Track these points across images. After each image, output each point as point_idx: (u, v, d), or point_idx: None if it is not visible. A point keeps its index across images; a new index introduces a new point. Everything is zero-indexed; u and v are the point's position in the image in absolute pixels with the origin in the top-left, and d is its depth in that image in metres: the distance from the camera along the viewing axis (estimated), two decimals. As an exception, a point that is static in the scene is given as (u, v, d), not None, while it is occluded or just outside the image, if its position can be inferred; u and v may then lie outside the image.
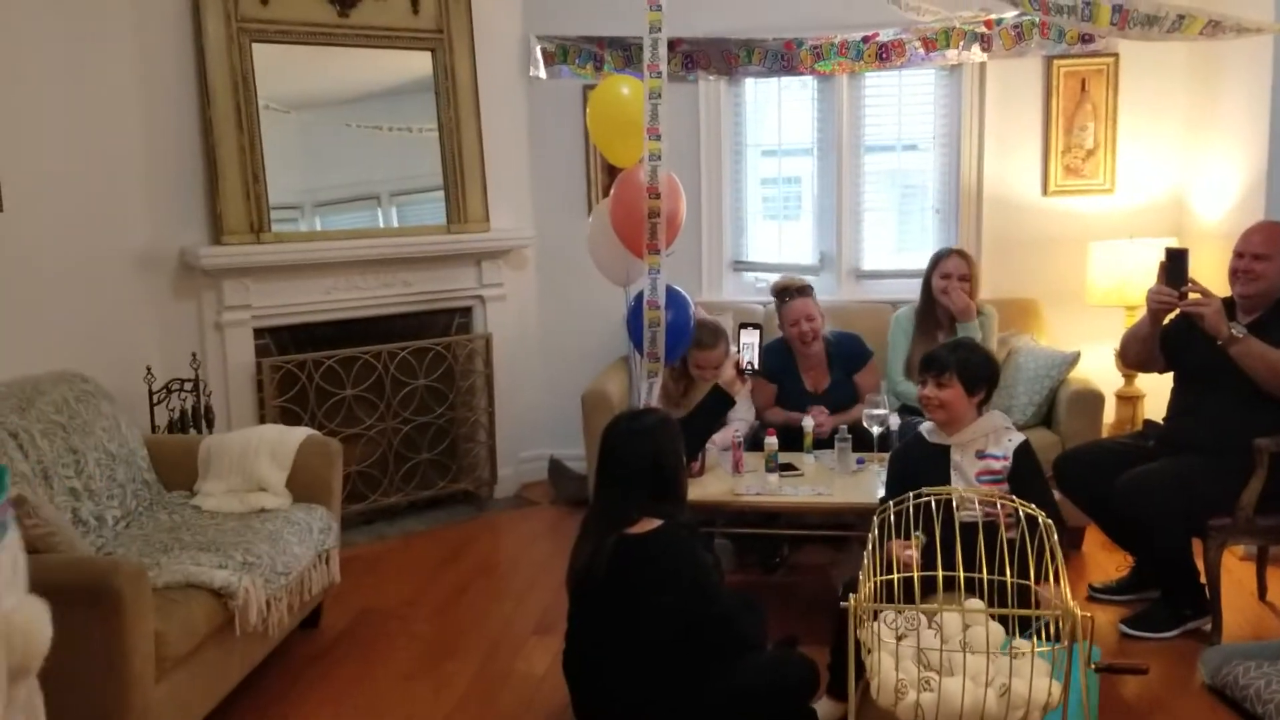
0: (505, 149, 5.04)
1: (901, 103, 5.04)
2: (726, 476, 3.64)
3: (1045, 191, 4.86)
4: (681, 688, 2.65)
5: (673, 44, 4.98)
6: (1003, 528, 2.21)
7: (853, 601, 1.78)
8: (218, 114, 4.24)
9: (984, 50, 4.72)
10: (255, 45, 4.34)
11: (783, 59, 4.94)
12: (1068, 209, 4.86)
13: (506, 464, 5.11)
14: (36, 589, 1.78)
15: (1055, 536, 1.89)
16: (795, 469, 3.66)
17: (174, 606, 2.75)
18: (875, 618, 1.91)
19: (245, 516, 3.41)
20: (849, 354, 4.21)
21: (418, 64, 4.80)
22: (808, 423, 3.82)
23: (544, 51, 5.08)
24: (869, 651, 1.90)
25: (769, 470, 3.55)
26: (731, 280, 5.24)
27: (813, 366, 4.18)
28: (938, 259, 4.26)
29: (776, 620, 3.16)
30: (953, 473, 2.95)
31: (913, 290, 4.55)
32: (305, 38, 4.49)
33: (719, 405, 3.30)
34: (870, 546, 1.91)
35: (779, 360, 4.12)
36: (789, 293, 4.12)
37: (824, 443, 3.77)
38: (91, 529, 3.15)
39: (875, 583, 1.87)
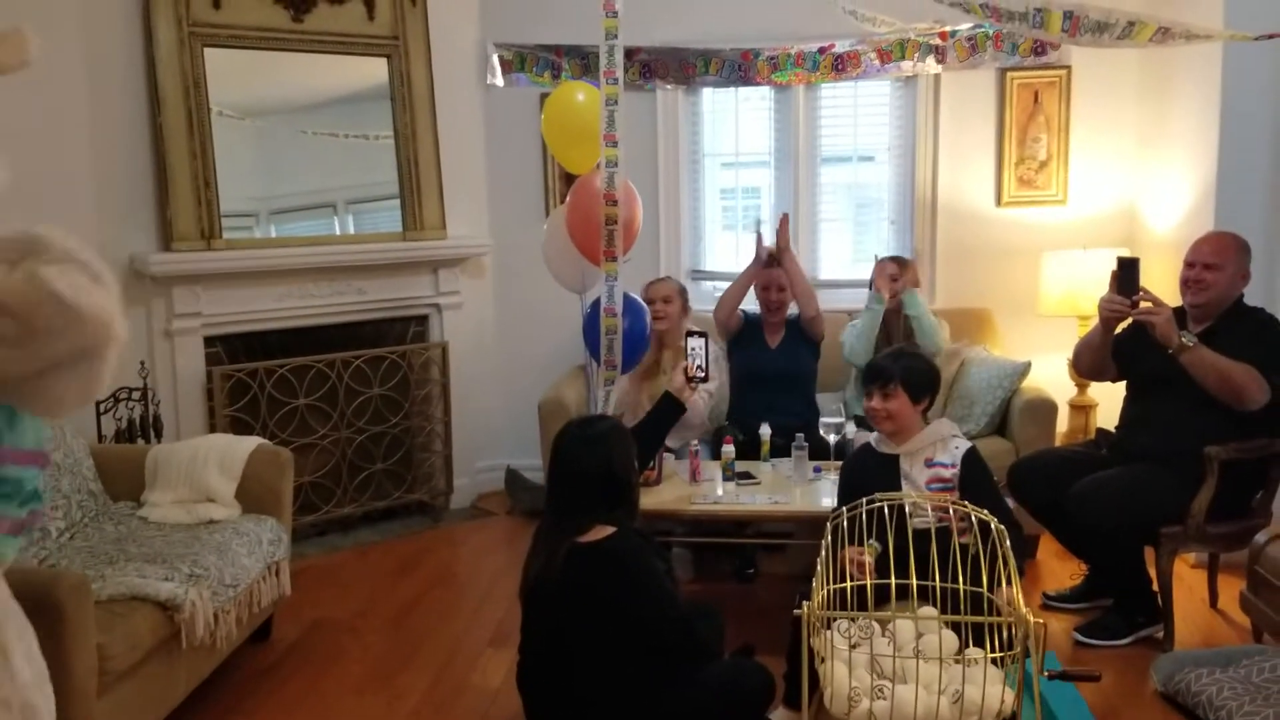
0: (462, 156, 5.00)
1: (857, 114, 5.07)
2: (683, 484, 3.62)
3: (999, 202, 4.91)
4: (636, 697, 2.62)
5: (630, 53, 4.99)
6: (955, 534, 2.21)
7: (805, 609, 1.76)
8: (168, 119, 4.17)
9: (938, 62, 4.77)
10: (207, 50, 4.28)
11: (740, 69, 4.96)
12: (1021, 220, 4.91)
13: (462, 474, 5.06)
14: None
15: (1007, 542, 1.89)
16: (752, 477, 3.66)
17: (118, 619, 2.69)
18: (829, 626, 1.90)
19: (193, 528, 3.35)
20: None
21: (373, 70, 4.75)
22: (764, 431, 3.82)
23: (501, 59, 5.06)
24: (823, 660, 1.88)
25: (726, 478, 3.54)
26: (689, 289, 5.21)
27: (771, 325, 4.43)
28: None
29: (735, 629, 3.14)
30: (903, 482, 2.96)
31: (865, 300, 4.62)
32: (258, 42, 4.43)
33: (670, 412, 3.28)
34: (823, 554, 1.90)
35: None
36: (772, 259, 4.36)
37: (781, 450, 3.76)
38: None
39: (828, 590, 1.85)
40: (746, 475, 3.67)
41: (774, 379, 4.33)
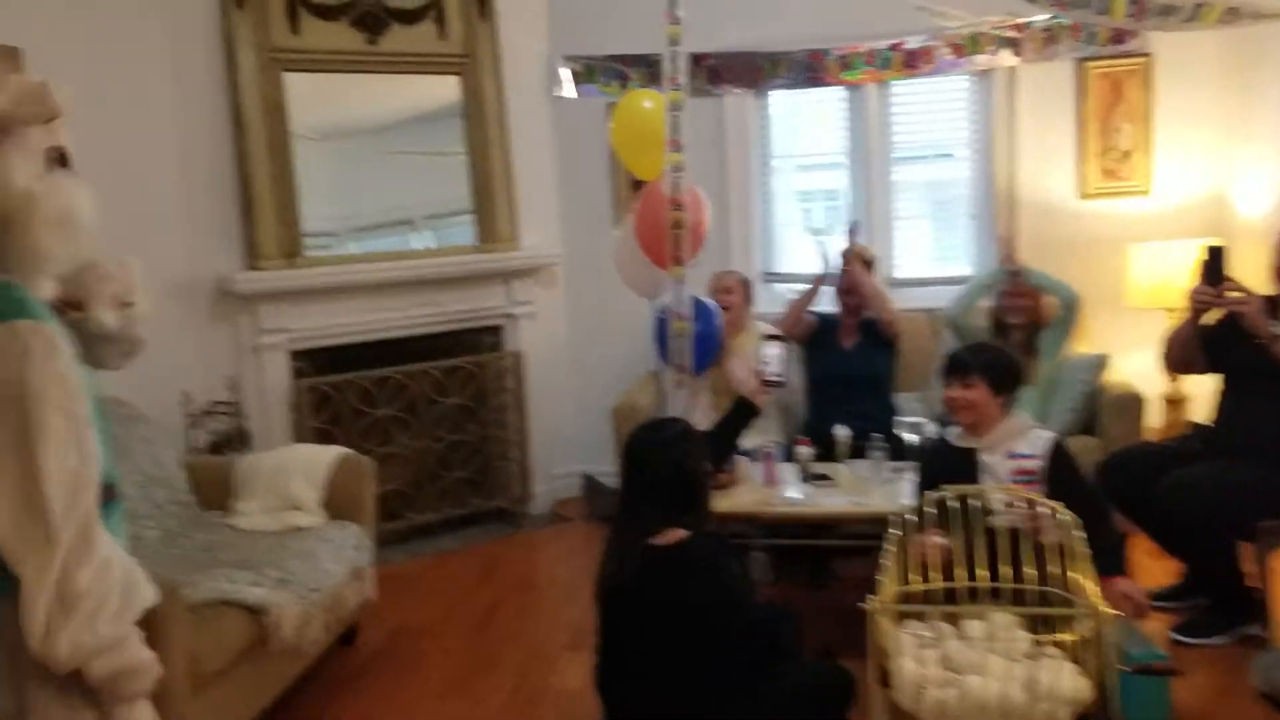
0: (533, 168, 5.07)
1: (931, 110, 5.01)
2: (759, 487, 3.60)
3: (1081, 195, 4.80)
4: (713, 699, 2.61)
5: (698, 58, 5.00)
6: (1036, 531, 2.15)
7: (871, 604, 1.74)
8: (251, 142, 4.30)
9: (1014, 54, 4.68)
10: (286, 74, 4.40)
11: (809, 70, 4.93)
12: (1105, 212, 4.78)
13: (540, 481, 5.11)
14: None
15: (1077, 532, 1.84)
16: (829, 478, 3.62)
17: (208, 623, 2.78)
18: (899, 621, 1.88)
19: (280, 535, 3.44)
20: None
21: (446, 88, 4.84)
22: (840, 432, 3.77)
23: (570, 71, 5.11)
24: (892, 656, 1.86)
25: (804, 479, 3.51)
26: (763, 292, 5.21)
27: (847, 325, 4.39)
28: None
29: (814, 631, 3.11)
30: (983, 475, 2.89)
31: (950, 298, 4.57)
32: (335, 65, 4.55)
33: (743, 415, 3.26)
34: (893, 550, 1.87)
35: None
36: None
37: (858, 453, 3.71)
38: (130, 548, 3.17)
39: (898, 589, 1.83)
40: (823, 477, 3.63)
41: (849, 381, 4.28)
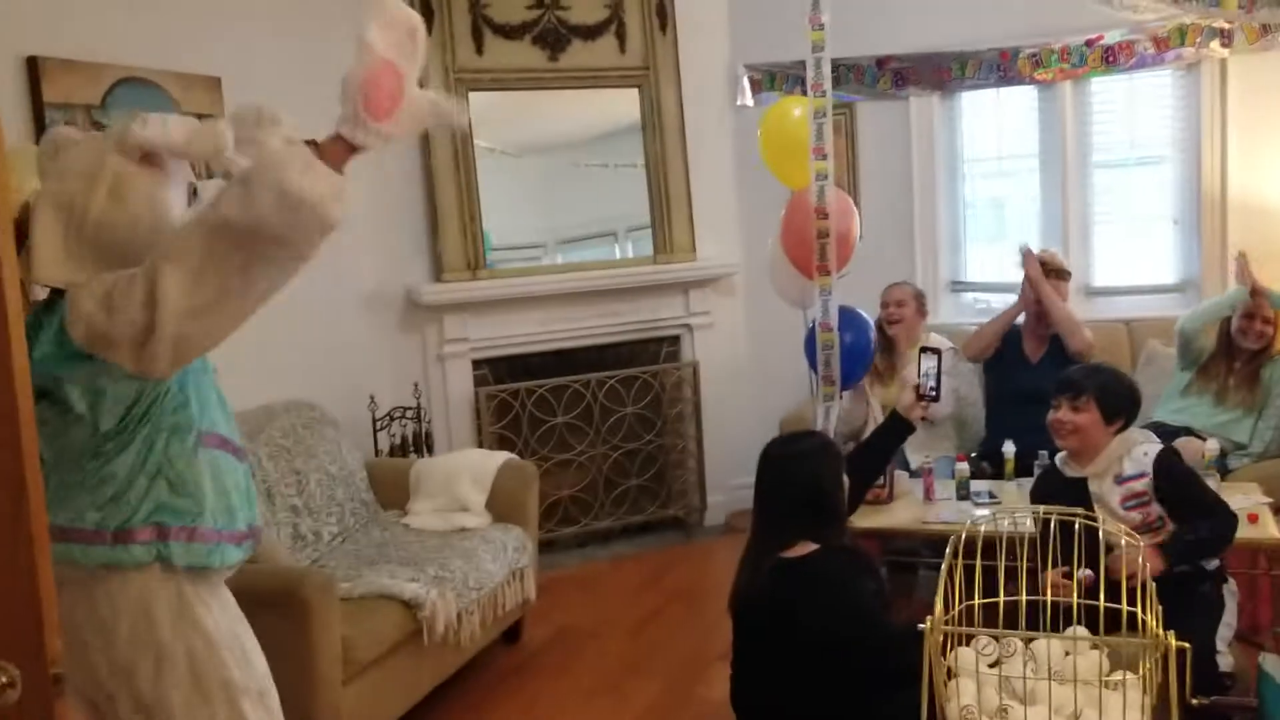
0: (712, 177, 5.09)
1: (1133, 109, 4.68)
2: (917, 503, 3.48)
3: (1301, 195, 4.35)
4: (841, 715, 2.55)
5: (881, 61, 4.90)
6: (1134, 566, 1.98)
7: (929, 624, 1.66)
8: (437, 161, 4.55)
9: (1224, 45, 4.29)
10: (471, 94, 4.63)
11: (999, 69, 4.72)
12: (1331, 213, 4.32)
13: (716, 491, 5.13)
14: (239, 596, 2.02)
15: (1141, 559, 1.71)
16: (994, 497, 3.45)
17: (365, 615, 2.96)
18: (963, 643, 1.79)
19: (446, 535, 3.62)
20: None
21: (627, 101, 4.94)
22: (1008, 449, 3.60)
23: (751, 80, 5.11)
24: (952, 678, 1.77)
25: (960, 498, 3.37)
26: (949, 301, 5.03)
27: (1034, 337, 4.18)
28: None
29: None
30: (1096, 506, 2.69)
31: (1151, 308, 4.43)
32: (518, 83, 4.75)
33: (897, 431, 3.16)
34: (945, 568, 1.78)
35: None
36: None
37: (1026, 470, 3.52)
38: (309, 543, 3.44)
39: (961, 608, 1.74)
40: (989, 495, 3.47)
41: (1034, 397, 4.03)
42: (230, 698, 1.90)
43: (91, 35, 3.19)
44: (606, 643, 3.85)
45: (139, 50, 3.32)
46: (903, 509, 3.47)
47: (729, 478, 5.20)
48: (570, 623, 4.05)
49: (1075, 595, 1.78)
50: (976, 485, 3.53)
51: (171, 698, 1.84)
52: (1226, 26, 4.25)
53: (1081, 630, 1.85)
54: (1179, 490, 2.69)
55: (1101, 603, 1.72)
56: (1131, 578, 1.72)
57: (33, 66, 2.97)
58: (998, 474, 3.71)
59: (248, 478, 1.99)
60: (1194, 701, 1.68)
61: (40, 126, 2.94)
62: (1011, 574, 1.99)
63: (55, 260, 1.76)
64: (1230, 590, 2.77)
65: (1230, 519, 2.67)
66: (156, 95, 3.31)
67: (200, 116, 3.50)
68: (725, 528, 5.11)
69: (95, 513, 1.79)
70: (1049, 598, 1.90)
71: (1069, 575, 2.08)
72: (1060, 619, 1.84)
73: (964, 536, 1.84)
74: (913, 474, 3.72)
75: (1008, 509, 2.79)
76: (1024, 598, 1.80)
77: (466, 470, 3.83)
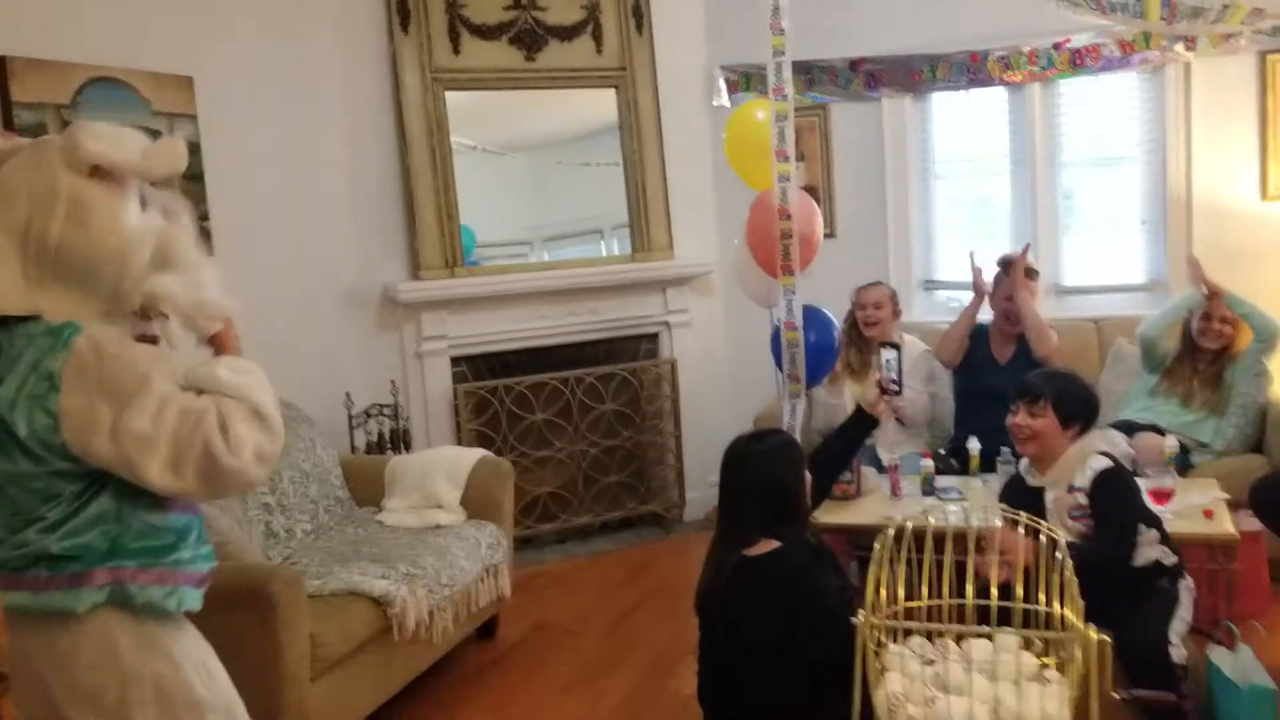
0: (689, 177, 5.13)
1: (1099, 110, 4.71)
2: (885, 499, 3.53)
3: (1264, 196, 4.40)
4: (805, 712, 2.59)
5: (855, 64, 4.94)
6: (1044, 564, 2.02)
7: (862, 620, 1.70)
8: (414, 159, 4.58)
9: (1188, 49, 4.34)
10: (448, 93, 4.66)
11: (969, 71, 4.76)
12: (1292, 215, 4.37)
13: (694, 487, 5.17)
14: (208, 592, 1.98)
15: (1064, 557, 1.76)
16: (958, 493, 3.50)
17: (334, 612, 2.99)
18: (894, 639, 1.84)
19: (420, 531, 3.65)
20: None
21: (604, 101, 4.97)
22: (973, 446, 3.64)
23: (727, 81, 5.14)
24: (883, 672, 1.81)
25: (925, 493, 3.42)
26: (922, 299, 5.07)
27: (1002, 337, 4.23)
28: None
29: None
30: (1049, 516, 2.74)
31: (1120, 307, 4.46)
32: (495, 83, 4.78)
33: (861, 426, 3.21)
34: (875, 566, 1.82)
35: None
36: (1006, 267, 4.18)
37: (991, 466, 3.57)
38: (281, 540, 3.48)
39: (896, 606, 1.78)
40: (956, 491, 3.52)
41: (1002, 397, 4.08)
42: (199, 716, 1.87)
43: (61, 34, 3.22)
44: (582, 639, 3.89)
45: (110, 49, 3.35)
46: (870, 505, 3.51)
47: (708, 474, 5.21)
48: (547, 619, 4.09)
49: (993, 589, 1.83)
50: (943, 481, 3.58)
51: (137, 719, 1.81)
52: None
53: (1004, 629, 1.88)
54: (1104, 509, 2.73)
55: (1020, 603, 1.77)
56: (1006, 554, 1.76)
57: (1, 66, 2.99)
58: (964, 470, 3.76)
59: (201, 524, 1.94)
60: (1114, 695, 1.72)
61: (9, 127, 2.97)
62: (959, 568, 2.04)
63: (14, 287, 1.68)
64: (1187, 586, 2.81)
65: (1117, 550, 2.68)
66: (127, 95, 3.34)
67: (172, 116, 3.57)
68: (704, 523, 5.14)
69: (46, 561, 1.70)
70: (973, 601, 1.92)
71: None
72: (997, 614, 1.87)
73: (891, 532, 1.88)
74: (881, 470, 3.77)
75: (936, 508, 2.83)
76: (949, 600, 1.84)
77: (441, 467, 3.86)
